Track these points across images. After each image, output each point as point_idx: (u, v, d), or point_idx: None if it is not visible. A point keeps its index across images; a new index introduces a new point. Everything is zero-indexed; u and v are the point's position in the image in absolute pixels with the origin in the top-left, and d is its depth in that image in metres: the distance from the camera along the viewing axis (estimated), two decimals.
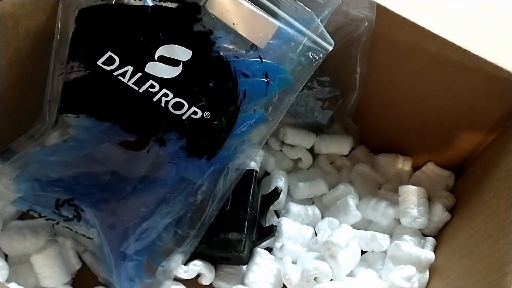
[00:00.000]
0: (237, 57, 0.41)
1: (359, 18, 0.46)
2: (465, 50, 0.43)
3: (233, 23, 0.40)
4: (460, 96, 0.47)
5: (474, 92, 0.46)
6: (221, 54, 0.40)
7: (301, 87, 0.44)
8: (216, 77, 0.41)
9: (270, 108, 0.43)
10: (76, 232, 0.44)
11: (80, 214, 0.42)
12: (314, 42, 0.42)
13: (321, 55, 0.42)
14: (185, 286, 0.47)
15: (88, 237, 0.44)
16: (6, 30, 0.40)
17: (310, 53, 0.42)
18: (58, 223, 0.43)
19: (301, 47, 0.42)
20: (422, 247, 0.48)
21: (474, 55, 0.43)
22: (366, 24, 0.46)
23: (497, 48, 0.43)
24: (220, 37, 0.40)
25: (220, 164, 0.43)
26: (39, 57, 0.44)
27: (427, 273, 0.46)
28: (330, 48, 0.42)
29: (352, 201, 0.50)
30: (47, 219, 0.43)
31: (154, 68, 0.40)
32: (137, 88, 0.39)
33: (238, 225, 0.46)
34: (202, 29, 0.40)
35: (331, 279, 0.45)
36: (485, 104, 0.46)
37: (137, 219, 0.43)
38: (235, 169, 0.44)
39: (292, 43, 0.42)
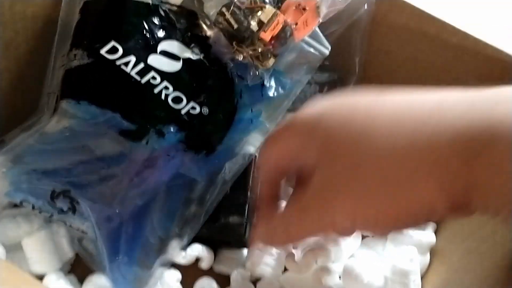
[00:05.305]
0: (233, 60, 0.41)
1: (359, 2, 0.46)
2: (465, 33, 0.43)
3: None
4: (460, 80, 0.47)
5: (474, 76, 0.46)
6: (218, 56, 0.41)
7: (299, 91, 0.44)
8: (214, 76, 0.41)
9: (268, 111, 0.43)
10: (70, 225, 0.44)
11: (75, 207, 0.42)
12: (311, 46, 0.42)
13: (318, 59, 0.43)
14: (185, 271, 0.46)
15: (82, 231, 0.44)
16: (2, 10, 0.40)
17: (308, 57, 0.43)
18: (52, 215, 0.43)
19: (298, 51, 0.42)
20: (423, 230, 0.48)
21: (474, 38, 0.43)
22: (365, 7, 0.46)
23: (497, 30, 0.43)
24: (216, 42, 0.41)
25: (218, 161, 0.43)
26: (35, 39, 0.43)
27: (428, 255, 0.46)
28: (327, 53, 0.43)
29: None
30: (40, 212, 0.43)
31: (156, 60, 0.40)
32: (139, 79, 0.39)
33: (239, 209, 0.46)
34: (199, 33, 0.40)
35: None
36: (485, 88, 0.46)
37: (133, 212, 0.42)
38: (232, 168, 0.45)
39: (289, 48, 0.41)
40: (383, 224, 0.30)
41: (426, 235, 0.46)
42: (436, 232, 0.48)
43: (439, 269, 0.44)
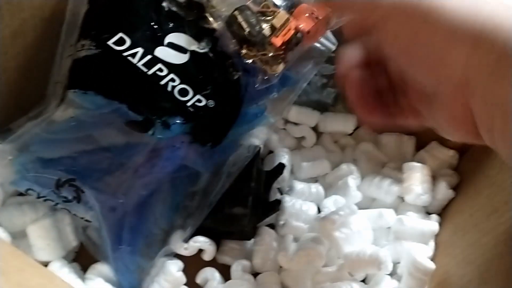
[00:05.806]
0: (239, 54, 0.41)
1: None
2: None
3: None
4: None
5: None
6: (224, 49, 0.41)
7: (304, 85, 0.44)
8: (220, 69, 0.41)
9: (273, 105, 0.44)
10: (74, 214, 0.44)
11: (80, 196, 0.42)
12: (318, 42, 0.42)
13: (324, 55, 0.43)
14: (188, 261, 0.46)
15: (86, 220, 0.44)
16: None
17: (314, 52, 0.42)
18: (57, 204, 0.43)
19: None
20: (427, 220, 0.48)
21: None
22: None
23: None
24: (223, 35, 0.40)
25: (223, 154, 0.44)
26: (43, 28, 0.43)
27: (432, 243, 0.46)
28: (334, 48, 0.43)
29: (352, 182, 0.50)
30: (45, 200, 0.43)
31: (163, 52, 0.40)
32: (146, 70, 0.39)
33: (243, 200, 0.46)
34: (207, 25, 0.40)
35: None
36: None
37: (137, 203, 0.43)
38: (236, 161, 0.45)
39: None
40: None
41: (428, 224, 0.46)
42: (440, 224, 0.48)
43: (443, 261, 0.44)
